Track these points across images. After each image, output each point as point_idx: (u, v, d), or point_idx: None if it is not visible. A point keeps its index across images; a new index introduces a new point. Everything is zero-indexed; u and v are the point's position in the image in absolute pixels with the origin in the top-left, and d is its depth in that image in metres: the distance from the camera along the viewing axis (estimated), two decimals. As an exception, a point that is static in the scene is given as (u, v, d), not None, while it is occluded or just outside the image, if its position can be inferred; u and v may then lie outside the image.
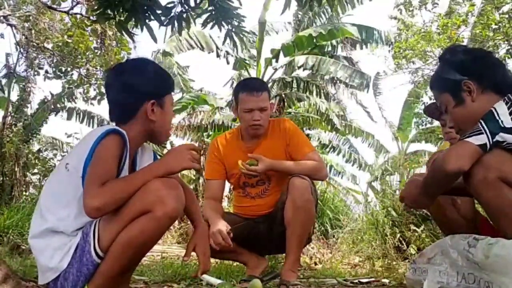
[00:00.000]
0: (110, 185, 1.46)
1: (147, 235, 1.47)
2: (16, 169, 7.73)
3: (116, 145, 1.53)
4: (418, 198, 1.66)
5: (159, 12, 2.72)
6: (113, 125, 1.61)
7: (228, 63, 9.92)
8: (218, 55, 9.62)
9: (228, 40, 3.01)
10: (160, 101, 1.66)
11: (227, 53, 9.54)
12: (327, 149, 11.64)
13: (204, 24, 2.86)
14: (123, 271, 1.53)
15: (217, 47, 9.26)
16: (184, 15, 2.79)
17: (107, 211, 1.45)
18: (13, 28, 7.66)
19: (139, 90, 1.65)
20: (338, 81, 9.43)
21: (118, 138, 1.53)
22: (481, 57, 1.66)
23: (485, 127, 1.46)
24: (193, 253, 1.75)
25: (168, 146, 10.94)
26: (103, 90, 8.32)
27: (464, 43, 7.21)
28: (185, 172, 12.45)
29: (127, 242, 1.46)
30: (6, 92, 8.81)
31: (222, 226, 2.27)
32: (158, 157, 1.77)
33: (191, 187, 10.15)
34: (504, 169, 1.41)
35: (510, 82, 1.61)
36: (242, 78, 7.62)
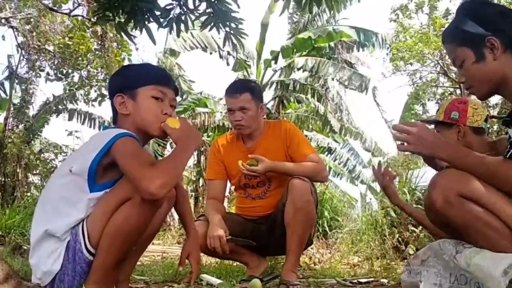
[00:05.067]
0: (162, 164, 1.52)
1: (132, 222, 1.47)
2: (18, 170, 7.78)
3: (136, 143, 1.55)
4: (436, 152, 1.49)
5: (158, 14, 2.73)
6: (121, 130, 1.59)
7: (228, 64, 9.97)
8: (220, 56, 9.66)
9: (227, 42, 3.02)
10: (130, 93, 1.65)
11: (228, 53, 9.58)
12: (325, 152, 11.67)
13: (202, 27, 2.88)
14: (117, 263, 1.54)
15: (219, 48, 9.32)
16: (183, 17, 2.81)
17: (170, 188, 1.47)
18: (15, 30, 7.70)
19: (110, 87, 1.72)
20: (337, 82, 9.49)
21: (134, 139, 1.55)
22: (507, 12, 1.50)
23: None
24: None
25: (168, 147, 10.96)
26: (104, 91, 8.36)
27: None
28: (185, 173, 12.45)
29: (114, 233, 1.47)
30: (7, 93, 8.85)
31: (222, 231, 2.30)
32: (159, 157, 1.80)
33: (191, 187, 10.18)
34: (460, 186, 1.40)
35: None
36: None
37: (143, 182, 1.41)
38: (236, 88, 2.54)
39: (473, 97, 2.00)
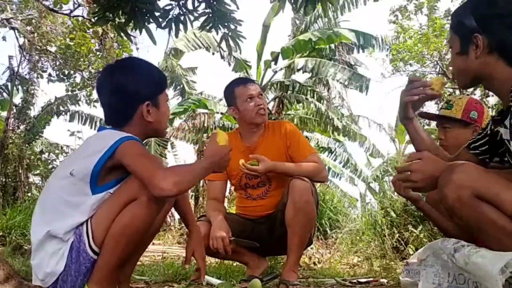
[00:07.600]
0: (177, 166, 1.56)
1: (137, 221, 1.49)
2: (19, 170, 7.79)
3: (143, 146, 1.58)
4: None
5: (157, 14, 2.74)
6: (124, 133, 1.59)
7: (229, 65, 9.98)
8: (222, 57, 9.67)
9: (223, 43, 3.03)
10: (154, 101, 1.67)
11: (229, 54, 9.59)
12: (325, 152, 11.70)
13: (201, 27, 2.89)
14: (120, 263, 1.54)
15: (220, 48, 9.31)
16: (182, 18, 2.82)
17: (183, 188, 1.51)
18: (16, 31, 7.72)
19: (133, 94, 1.64)
20: (337, 83, 9.52)
21: (140, 143, 1.57)
22: (506, 15, 1.45)
23: None
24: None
25: (169, 148, 10.95)
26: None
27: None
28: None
29: (120, 232, 1.48)
30: (9, 94, 8.86)
31: (224, 233, 2.31)
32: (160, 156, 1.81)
33: (192, 187, 10.18)
34: (476, 185, 1.32)
35: None
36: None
37: (155, 179, 1.43)
38: (250, 79, 2.69)
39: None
